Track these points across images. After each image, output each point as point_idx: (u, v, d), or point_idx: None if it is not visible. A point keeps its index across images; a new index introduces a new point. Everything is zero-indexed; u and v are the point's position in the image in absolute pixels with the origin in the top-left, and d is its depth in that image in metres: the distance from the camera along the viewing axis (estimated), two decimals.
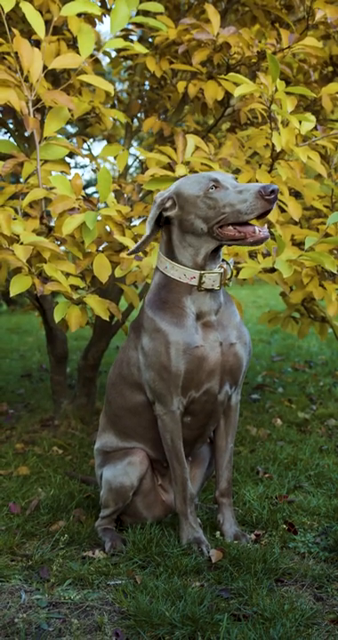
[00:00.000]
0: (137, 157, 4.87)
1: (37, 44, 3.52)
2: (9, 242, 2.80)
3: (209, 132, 3.99)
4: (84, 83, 3.49)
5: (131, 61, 4.31)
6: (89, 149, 4.66)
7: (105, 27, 29.48)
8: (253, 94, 3.31)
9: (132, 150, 5.19)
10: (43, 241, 2.81)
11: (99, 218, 2.98)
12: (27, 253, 2.73)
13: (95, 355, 4.22)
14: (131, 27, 3.86)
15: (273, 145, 3.20)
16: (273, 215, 3.13)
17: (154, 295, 2.51)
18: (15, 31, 2.95)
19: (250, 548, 2.44)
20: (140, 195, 3.65)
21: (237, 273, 2.99)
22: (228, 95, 3.68)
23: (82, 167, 10.68)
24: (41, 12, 3.16)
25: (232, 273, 2.49)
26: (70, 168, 3.37)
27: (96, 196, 4.28)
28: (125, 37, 4.01)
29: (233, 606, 2.11)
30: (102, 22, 3.89)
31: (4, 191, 3.03)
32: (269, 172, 3.31)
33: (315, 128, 3.28)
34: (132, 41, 3.95)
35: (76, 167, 10.55)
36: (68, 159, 4.12)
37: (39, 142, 2.94)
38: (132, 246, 2.58)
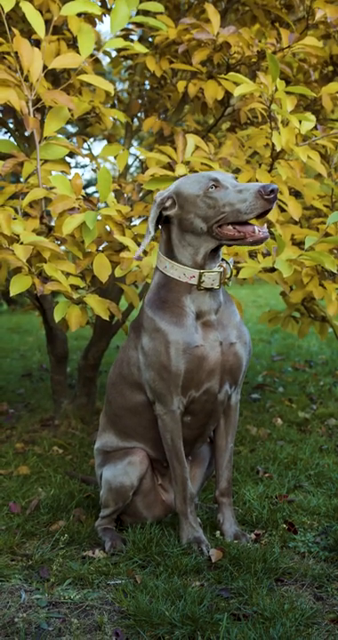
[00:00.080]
0: (137, 157, 4.86)
1: (37, 43, 3.52)
2: (9, 241, 2.80)
3: (209, 132, 3.99)
4: (84, 82, 3.49)
5: (131, 61, 4.31)
6: (89, 149, 4.65)
7: (105, 26, 29.43)
8: (253, 94, 3.31)
9: (133, 150, 5.18)
10: (43, 241, 2.81)
11: (99, 217, 2.98)
12: (27, 253, 2.73)
13: (95, 354, 4.22)
14: (131, 26, 3.86)
15: (273, 144, 3.20)
16: (273, 215, 3.13)
17: (154, 295, 2.51)
18: (15, 31, 2.95)
19: (250, 547, 2.44)
20: (141, 194, 3.65)
21: (237, 272, 2.99)
22: (228, 95, 3.68)
23: (82, 167, 10.66)
24: (41, 12, 3.17)
25: (232, 272, 2.49)
26: (70, 168, 3.37)
27: (96, 195, 4.28)
28: (125, 37, 4.02)
29: (233, 606, 2.11)
30: (102, 22, 3.89)
31: (4, 191, 3.03)
32: (269, 171, 3.31)
33: (315, 127, 3.28)
34: (132, 40, 3.95)
35: (76, 167, 10.53)
36: (68, 159, 4.11)
37: (39, 142, 2.94)
38: (133, 247, 2.58)
